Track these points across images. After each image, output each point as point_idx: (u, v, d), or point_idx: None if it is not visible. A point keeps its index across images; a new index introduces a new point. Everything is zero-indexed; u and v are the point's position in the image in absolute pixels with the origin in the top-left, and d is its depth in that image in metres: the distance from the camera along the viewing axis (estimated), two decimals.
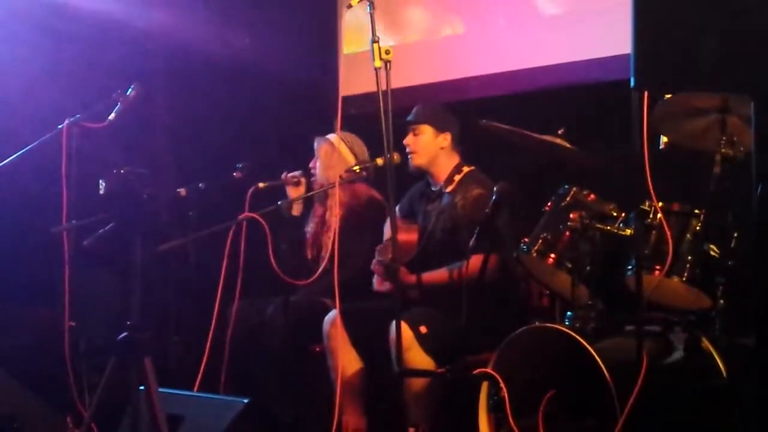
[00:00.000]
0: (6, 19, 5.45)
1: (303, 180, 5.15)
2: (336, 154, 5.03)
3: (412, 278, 4.54)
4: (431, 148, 4.68)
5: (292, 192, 5.15)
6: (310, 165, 5.14)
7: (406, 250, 4.62)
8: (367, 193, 5.02)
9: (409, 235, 4.69)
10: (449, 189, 4.65)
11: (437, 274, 4.51)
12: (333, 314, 4.50)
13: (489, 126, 4.26)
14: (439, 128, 4.69)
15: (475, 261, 4.24)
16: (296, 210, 5.22)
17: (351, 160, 4.96)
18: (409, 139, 4.70)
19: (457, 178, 4.66)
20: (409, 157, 4.70)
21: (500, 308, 4.41)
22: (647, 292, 3.55)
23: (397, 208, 4.94)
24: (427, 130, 4.68)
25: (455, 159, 4.72)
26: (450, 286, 4.41)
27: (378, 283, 4.66)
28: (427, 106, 4.78)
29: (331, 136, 5.12)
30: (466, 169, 4.68)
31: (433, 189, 4.76)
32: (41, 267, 5.02)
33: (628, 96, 3.24)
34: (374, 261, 4.60)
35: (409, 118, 4.73)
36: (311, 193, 5.09)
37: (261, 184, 4.87)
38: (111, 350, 3.16)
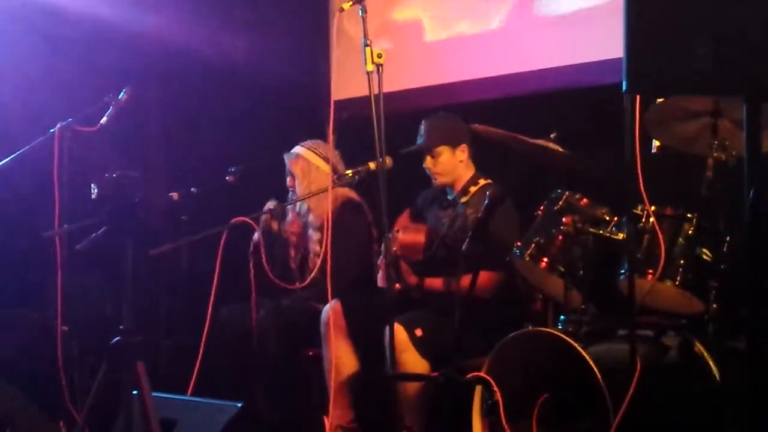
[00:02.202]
0: None
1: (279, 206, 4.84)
2: (313, 168, 5.00)
3: (415, 280, 4.53)
4: (452, 165, 4.67)
5: (275, 225, 4.90)
6: (288, 184, 5.07)
7: (412, 248, 4.62)
8: (343, 194, 4.99)
9: (416, 236, 4.67)
10: (463, 200, 4.64)
11: (442, 284, 4.49)
12: (333, 302, 4.49)
13: (481, 130, 4.26)
14: (455, 144, 4.66)
15: (485, 278, 4.25)
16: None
17: (327, 168, 4.86)
18: (428, 163, 4.68)
19: (473, 189, 4.64)
20: (432, 178, 4.71)
21: (495, 312, 4.40)
22: (640, 296, 3.55)
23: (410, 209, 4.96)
24: (444, 151, 4.65)
25: (471, 170, 4.71)
26: (453, 297, 4.38)
27: (381, 280, 4.64)
28: (436, 124, 4.71)
29: (300, 150, 5.06)
30: (482, 182, 4.66)
31: (448, 197, 4.76)
32: (33, 271, 5.01)
33: (620, 100, 3.24)
34: (380, 257, 4.59)
35: (420, 141, 4.69)
36: (306, 197, 4.99)
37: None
38: (103, 354, 3.16)
